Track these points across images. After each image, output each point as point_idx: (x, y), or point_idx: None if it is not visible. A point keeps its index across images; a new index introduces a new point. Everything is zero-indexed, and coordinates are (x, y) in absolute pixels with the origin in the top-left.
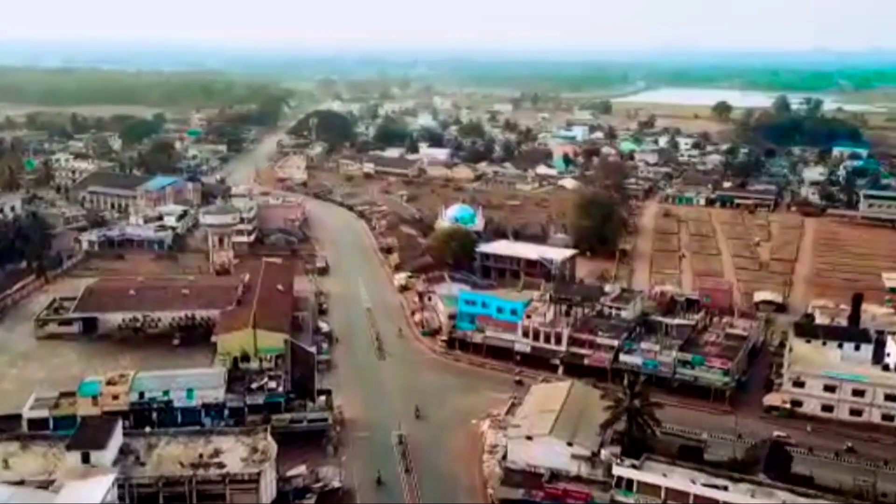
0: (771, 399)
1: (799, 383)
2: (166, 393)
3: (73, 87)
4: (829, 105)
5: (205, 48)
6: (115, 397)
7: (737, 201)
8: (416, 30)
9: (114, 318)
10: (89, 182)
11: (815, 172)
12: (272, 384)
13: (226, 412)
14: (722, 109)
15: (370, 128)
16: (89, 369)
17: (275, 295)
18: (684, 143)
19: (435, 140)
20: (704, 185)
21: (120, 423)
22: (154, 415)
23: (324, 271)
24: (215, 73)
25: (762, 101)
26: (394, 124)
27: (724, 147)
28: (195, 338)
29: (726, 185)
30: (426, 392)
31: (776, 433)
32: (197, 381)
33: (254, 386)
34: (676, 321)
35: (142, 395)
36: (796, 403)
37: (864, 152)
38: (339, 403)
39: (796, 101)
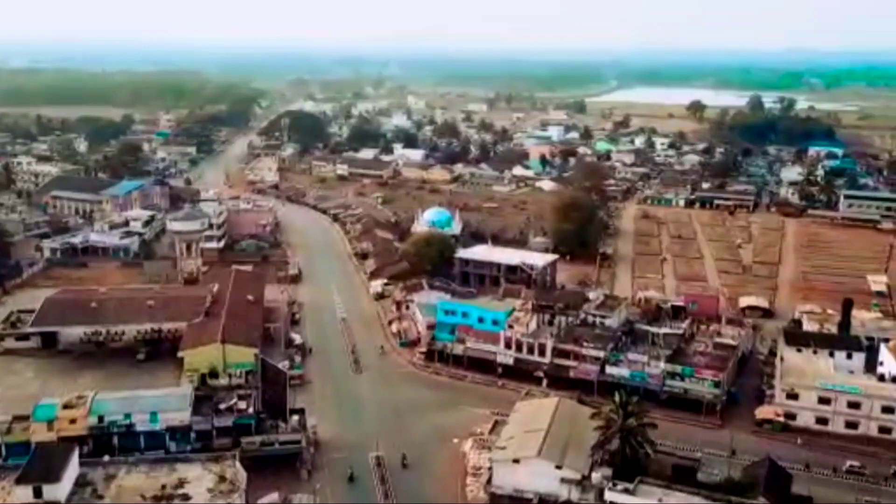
0: (764, 412)
1: (792, 395)
2: (128, 416)
3: (39, 87)
4: (802, 104)
5: (177, 47)
6: (73, 421)
7: (716, 202)
8: (389, 29)
9: (75, 332)
10: (52, 186)
11: (792, 172)
12: (242, 404)
13: (192, 435)
14: (696, 108)
15: (343, 128)
16: (47, 388)
17: (245, 306)
18: (660, 143)
19: (410, 141)
20: (683, 185)
21: (76, 451)
22: (115, 440)
23: (296, 279)
24: (186, 72)
25: (735, 100)
26: (367, 125)
27: (701, 147)
28: (161, 352)
29: (705, 185)
30: (405, 409)
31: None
32: (161, 402)
33: (222, 406)
34: (663, 330)
35: (101, 418)
36: (790, 416)
37: (839, 152)
38: (314, 423)
39: (770, 100)
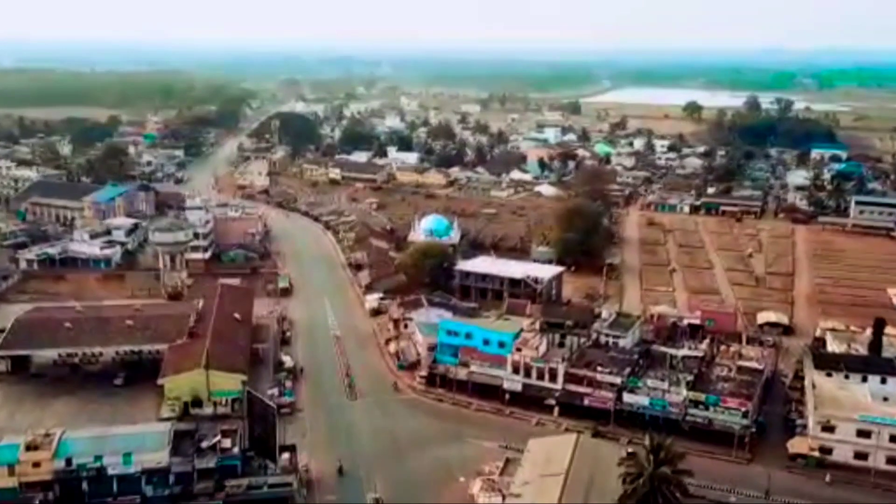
0: (797, 446)
1: (828, 428)
2: (99, 458)
3: (23, 88)
4: (798, 105)
5: (166, 47)
6: (37, 465)
7: (722, 208)
8: (380, 29)
9: (47, 355)
10: (32, 192)
11: (798, 176)
12: (226, 442)
13: (171, 478)
14: (693, 109)
15: (336, 130)
16: (15, 419)
17: (232, 325)
18: (660, 145)
19: (403, 143)
20: (686, 190)
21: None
22: (84, 485)
23: (287, 292)
24: (175, 72)
25: (730, 100)
26: (360, 126)
27: (701, 149)
28: (141, 375)
29: (710, 191)
30: (405, 441)
31: None
32: (136, 441)
33: (204, 445)
34: (682, 352)
35: (69, 461)
36: (825, 451)
37: (843, 154)
38: (305, 462)
39: (767, 101)
